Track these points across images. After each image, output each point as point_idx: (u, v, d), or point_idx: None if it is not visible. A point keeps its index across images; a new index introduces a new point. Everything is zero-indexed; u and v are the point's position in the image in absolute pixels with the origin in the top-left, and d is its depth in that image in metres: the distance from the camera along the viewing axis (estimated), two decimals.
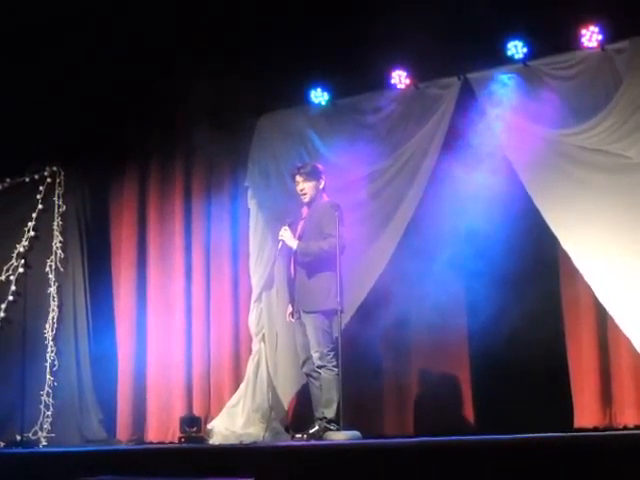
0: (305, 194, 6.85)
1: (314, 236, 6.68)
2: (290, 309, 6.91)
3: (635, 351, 6.51)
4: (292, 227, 6.82)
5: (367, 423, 7.33)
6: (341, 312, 6.49)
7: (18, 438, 8.20)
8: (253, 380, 7.85)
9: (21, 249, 9.10)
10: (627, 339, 6.56)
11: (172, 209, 8.73)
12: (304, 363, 6.75)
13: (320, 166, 6.95)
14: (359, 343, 7.45)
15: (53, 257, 8.96)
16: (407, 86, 7.63)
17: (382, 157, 7.66)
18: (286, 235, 6.76)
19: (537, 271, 7.36)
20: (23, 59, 8.22)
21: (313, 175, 6.84)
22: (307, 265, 6.66)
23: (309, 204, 6.86)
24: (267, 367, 7.88)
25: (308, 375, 6.74)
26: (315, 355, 6.53)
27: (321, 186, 6.86)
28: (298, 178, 6.87)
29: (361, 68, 7.38)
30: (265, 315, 7.97)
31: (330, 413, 6.41)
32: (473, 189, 7.23)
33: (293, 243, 6.74)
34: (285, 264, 7.06)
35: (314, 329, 6.55)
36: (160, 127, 8.58)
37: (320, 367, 6.50)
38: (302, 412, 7.53)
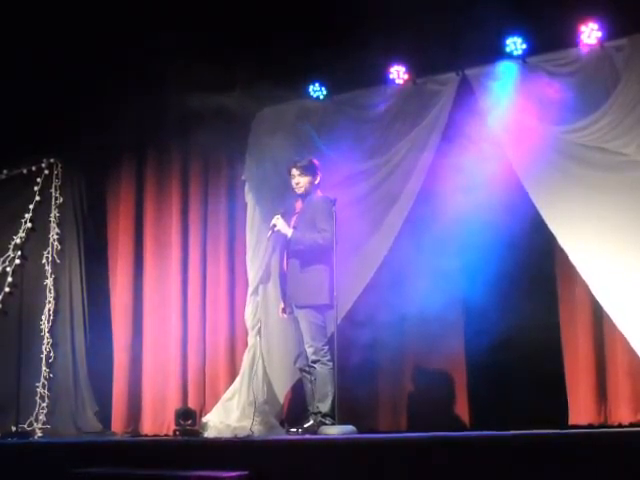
0: (300, 187, 6.84)
1: (308, 230, 6.67)
2: (282, 304, 6.91)
3: (631, 349, 6.52)
4: (285, 218, 6.81)
5: (362, 418, 7.34)
6: (336, 306, 6.48)
7: (13, 429, 8.22)
8: (248, 374, 7.85)
9: (18, 240, 9.11)
10: (623, 337, 6.56)
11: (169, 202, 8.74)
12: (297, 358, 6.75)
13: (316, 162, 6.93)
14: (354, 338, 7.45)
15: (50, 249, 8.96)
16: (405, 81, 7.64)
17: (380, 152, 7.66)
18: (279, 223, 6.74)
19: (533, 268, 7.36)
20: (19, 50, 8.19)
21: (309, 170, 6.83)
22: (300, 258, 6.64)
23: (303, 197, 6.85)
24: (263, 361, 7.89)
25: (301, 370, 6.73)
26: (309, 350, 6.52)
27: (316, 182, 6.85)
28: (294, 172, 6.87)
29: (359, 63, 7.36)
30: (261, 309, 7.97)
31: (325, 407, 6.40)
32: (470, 185, 7.23)
33: (287, 231, 6.72)
34: (279, 258, 7.06)
35: (307, 324, 6.55)
36: (157, 120, 8.56)
37: (315, 362, 6.49)
38: (297, 406, 7.53)
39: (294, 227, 6.74)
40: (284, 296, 6.85)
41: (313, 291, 6.56)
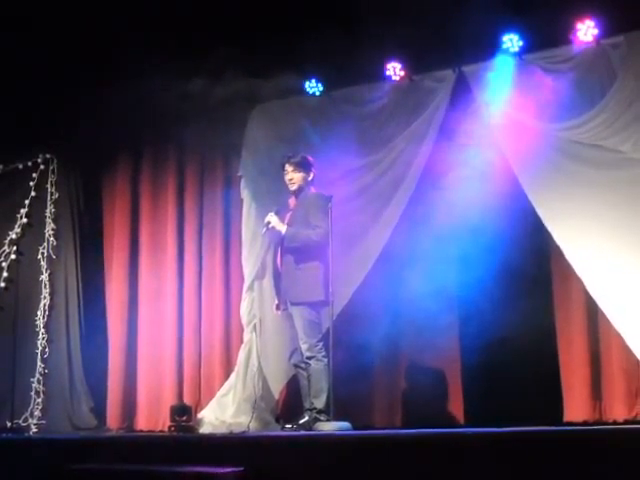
0: (293, 184, 6.83)
1: (302, 227, 6.66)
2: (276, 301, 6.91)
3: (625, 346, 6.53)
4: (279, 216, 6.80)
5: (357, 414, 7.33)
6: (331, 303, 6.48)
7: (8, 425, 8.20)
8: (244, 370, 7.85)
9: (13, 236, 9.09)
10: (618, 334, 6.57)
11: (165, 197, 8.73)
12: (292, 354, 6.75)
13: (310, 158, 6.92)
14: (349, 334, 7.46)
15: (45, 244, 8.95)
16: (402, 78, 7.63)
17: (376, 149, 7.66)
18: (274, 220, 6.73)
19: (529, 265, 7.36)
20: (17, 45, 8.18)
21: (303, 166, 6.82)
22: (294, 254, 6.63)
23: (297, 195, 6.85)
24: (258, 357, 7.89)
25: (296, 366, 6.73)
26: (304, 346, 6.52)
27: (310, 178, 6.83)
28: (287, 167, 6.86)
29: (356, 59, 7.36)
30: (257, 305, 7.97)
31: (320, 404, 6.41)
32: (466, 183, 7.24)
33: (282, 228, 6.71)
34: (273, 255, 7.06)
35: (302, 320, 6.55)
36: (154, 115, 8.55)
37: (309, 358, 6.49)
38: (292, 402, 7.53)
39: (288, 224, 6.73)
40: (278, 293, 6.84)
41: (308, 288, 6.56)
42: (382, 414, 7.93)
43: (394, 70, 7.61)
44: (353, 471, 4.64)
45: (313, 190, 6.85)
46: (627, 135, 6.64)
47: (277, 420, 7.70)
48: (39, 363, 8.73)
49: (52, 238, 8.96)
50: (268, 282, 7.74)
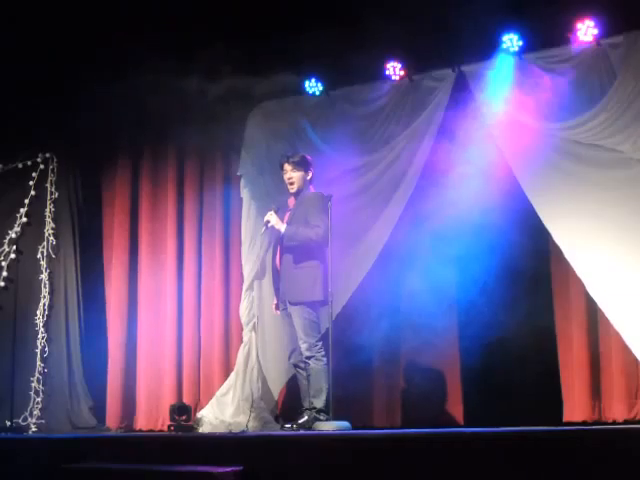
0: (292, 183, 6.82)
1: (301, 226, 6.64)
2: (275, 301, 6.91)
3: (625, 346, 6.53)
4: (279, 215, 6.79)
5: (356, 414, 7.33)
6: (331, 302, 6.47)
7: (8, 424, 8.21)
8: (243, 370, 7.85)
9: (13, 235, 9.09)
10: (617, 334, 6.57)
11: (164, 196, 8.72)
12: (291, 354, 6.75)
13: (309, 157, 6.92)
14: (349, 334, 7.46)
15: (45, 243, 8.94)
16: (401, 77, 7.63)
17: (375, 148, 7.66)
18: (273, 219, 6.72)
19: (529, 265, 7.36)
20: (17, 44, 8.18)
21: (302, 165, 6.81)
22: (294, 253, 6.62)
23: (296, 194, 6.84)
24: (257, 357, 7.89)
25: (295, 366, 6.73)
26: (303, 346, 6.52)
27: (309, 177, 6.83)
28: (287, 167, 6.85)
29: (356, 59, 7.35)
30: (256, 304, 7.97)
31: (319, 403, 6.41)
32: (466, 182, 7.23)
33: (281, 226, 6.70)
34: (272, 254, 7.06)
35: (301, 320, 6.54)
36: (154, 115, 8.54)
37: (309, 357, 6.49)
38: (292, 402, 7.52)
39: (288, 223, 6.72)
40: (277, 292, 6.84)
41: (306, 287, 6.55)
42: (381, 414, 7.93)
43: (394, 70, 7.61)
44: (352, 471, 4.64)
45: (312, 189, 6.84)
46: (627, 135, 6.64)
47: (276, 419, 7.70)
48: (38, 362, 8.72)
49: (52, 237, 8.95)
50: (267, 282, 7.73)
